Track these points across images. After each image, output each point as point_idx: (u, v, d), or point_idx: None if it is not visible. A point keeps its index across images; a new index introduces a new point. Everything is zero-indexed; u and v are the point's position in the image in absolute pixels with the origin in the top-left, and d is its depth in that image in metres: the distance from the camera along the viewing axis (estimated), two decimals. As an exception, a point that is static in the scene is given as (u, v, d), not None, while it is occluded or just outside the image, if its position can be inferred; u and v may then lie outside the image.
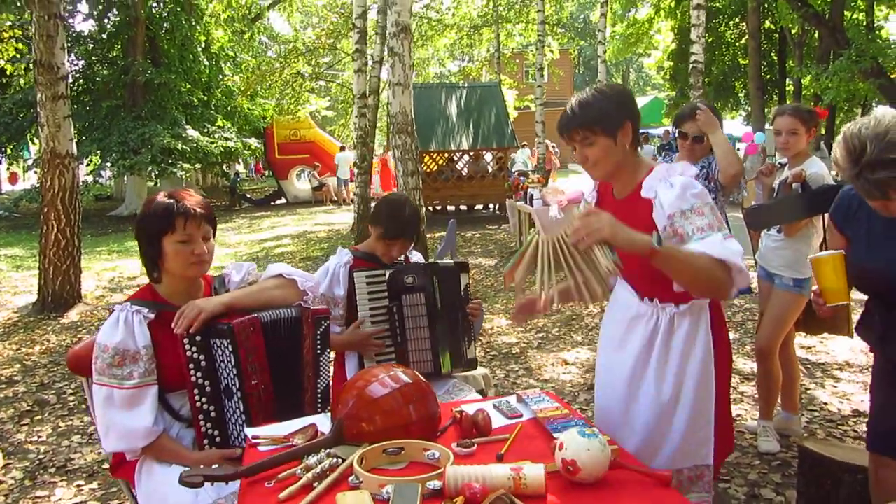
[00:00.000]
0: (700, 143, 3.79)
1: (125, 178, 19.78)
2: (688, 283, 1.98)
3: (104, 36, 20.02)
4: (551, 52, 20.88)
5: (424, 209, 8.79)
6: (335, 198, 22.18)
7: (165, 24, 19.56)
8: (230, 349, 2.18)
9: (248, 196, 25.02)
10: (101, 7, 19.57)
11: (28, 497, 3.67)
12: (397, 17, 6.23)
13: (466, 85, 17.90)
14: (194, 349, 2.19)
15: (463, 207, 17.03)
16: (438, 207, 16.42)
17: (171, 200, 2.26)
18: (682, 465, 2.14)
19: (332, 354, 2.76)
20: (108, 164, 18.00)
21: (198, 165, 20.36)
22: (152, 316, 2.24)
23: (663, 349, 2.14)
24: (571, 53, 32.27)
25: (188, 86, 19.35)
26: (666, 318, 2.14)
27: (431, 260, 3.33)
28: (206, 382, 2.22)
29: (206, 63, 20.12)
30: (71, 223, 7.79)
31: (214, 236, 2.37)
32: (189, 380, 2.20)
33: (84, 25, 20.43)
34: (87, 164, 18.85)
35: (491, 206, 16.77)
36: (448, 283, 3.03)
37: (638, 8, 25.99)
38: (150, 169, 17.36)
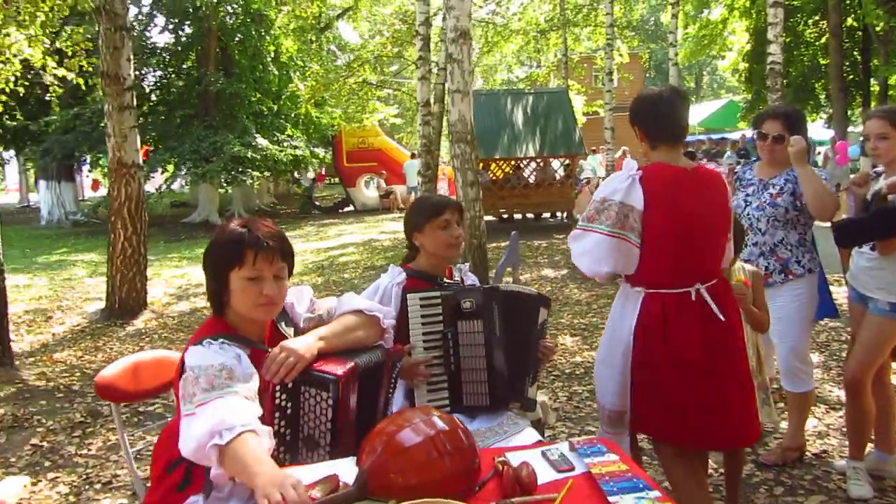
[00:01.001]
0: (780, 143, 3.52)
1: (199, 184, 20.23)
2: None
3: (179, 48, 20.54)
4: (620, 55, 20.37)
5: (488, 219, 8.55)
6: (402, 206, 22.16)
7: (238, 36, 19.94)
8: (329, 402, 1.94)
9: (317, 203, 25.27)
10: (176, 20, 20.07)
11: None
12: (456, 21, 6.05)
13: (533, 91, 17.61)
14: (284, 397, 1.97)
15: (529, 216, 16.73)
16: (504, 216, 16.16)
17: (243, 229, 2.01)
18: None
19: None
20: (181, 173, 18.43)
21: (266, 173, 20.64)
22: (248, 351, 2.00)
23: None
24: (642, 57, 31.52)
25: (258, 95, 19.69)
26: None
27: (491, 283, 3.07)
28: (287, 431, 2.00)
29: (276, 72, 20.43)
30: (137, 231, 7.87)
31: (291, 274, 2.11)
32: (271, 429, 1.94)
33: (160, 38, 20.93)
34: (162, 173, 19.35)
35: (558, 214, 16.41)
36: (511, 311, 2.75)
37: (711, 9, 25.17)
38: (220, 176, 17.67)
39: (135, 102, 7.67)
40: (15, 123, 13.07)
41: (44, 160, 18.88)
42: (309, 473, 1.80)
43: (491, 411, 2.71)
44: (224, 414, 1.76)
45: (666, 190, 2.60)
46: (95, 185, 28.43)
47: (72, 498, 3.77)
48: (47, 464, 4.20)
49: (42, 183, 20.33)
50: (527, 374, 2.80)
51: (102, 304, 8.39)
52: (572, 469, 1.85)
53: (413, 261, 2.93)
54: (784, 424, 3.87)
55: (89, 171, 22.40)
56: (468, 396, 2.72)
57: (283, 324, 2.22)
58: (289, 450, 2.00)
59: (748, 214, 3.69)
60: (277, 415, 1.97)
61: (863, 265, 3.40)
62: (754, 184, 3.75)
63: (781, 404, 4.23)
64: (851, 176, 3.78)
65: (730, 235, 2.81)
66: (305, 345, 2.03)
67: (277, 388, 1.95)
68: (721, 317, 2.60)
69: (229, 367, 1.88)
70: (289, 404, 1.97)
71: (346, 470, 1.80)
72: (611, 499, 1.61)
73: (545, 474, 1.82)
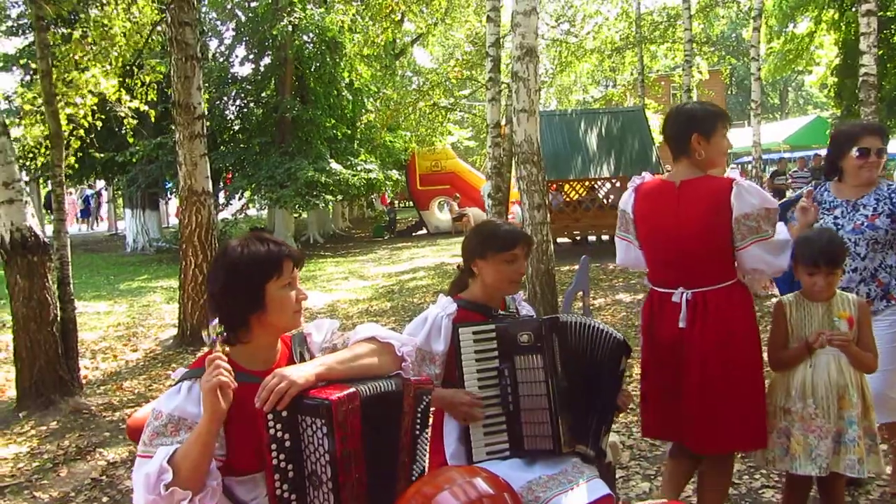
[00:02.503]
0: (883, 156, 3.33)
1: (276, 209, 20.60)
2: None
3: (258, 77, 21.06)
4: (699, 72, 19.75)
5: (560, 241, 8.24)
6: (475, 228, 21.99)
7: (313, 63, 20.30)
8: (324, 430, 1.81)
9: (392, 227, 25.41)
10: (255, 51, 20.62)
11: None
12: (521, 39, 5.82)
13: (608, 111, 17.23)
14: (279, 427, 1.84)
15: (605, 238, 16.28)
16: (578, 238, 15.78)
17: (270, 243, 2.01)
18: None
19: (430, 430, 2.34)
20: (256, 199, 18.80)
21: (339, 197, 20.85)
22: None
23: None
24: (723, 73, 30.61)
25: (332, 121, 19.95)
26: None
27: (561, 309, 2.83)
28: (289, 467, 1.85)
29: (350, 98, 20.68)
30: (207, 259, 7.92)
31: None
32: (269, 463, 1.84)
33: (241, 69, 21.54)
34: (239, 199, 19.78)
35: (634, 236, 15.90)
36: (577, 343, 2.52)
37: (797, 22, 24.18)
38: (294, 201, 17.90)
39: (205, 131, 7.74)
40: (102, 155, 13.54)
41: (129, 189, 19.57)
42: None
43: (554, 456, 2.45)
44: (153, 468, 1.79)
45: (645, 200, 2.94)
46: (179, 212, 29.40)
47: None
48: (105, 500, 4.14)
49: (128, 211, 21.07)
50: (602, 421, 2.54)
51: (175, 331, 8.47)
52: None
53: (465, 288, 2.71)
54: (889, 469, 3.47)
55: (175, 198, 23.16)
56: (529, 440, 2.47)
57: (299, 354, 2.10)
58: (294, 488, 1.86)
59: (842, 238, 3.33)
60: (274, 447, 1.83)
61: None
62: (840, 206, 3.41)
63: (884, 446, 3.79)
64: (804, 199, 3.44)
65: (747, 244, 2.71)
66: (301, 371, 1.89)
67: (270, 416, 1.81)
68: (681, 324, 2.76)
69: (177, 419, 1.86)
70: (286, 436, 1.84)
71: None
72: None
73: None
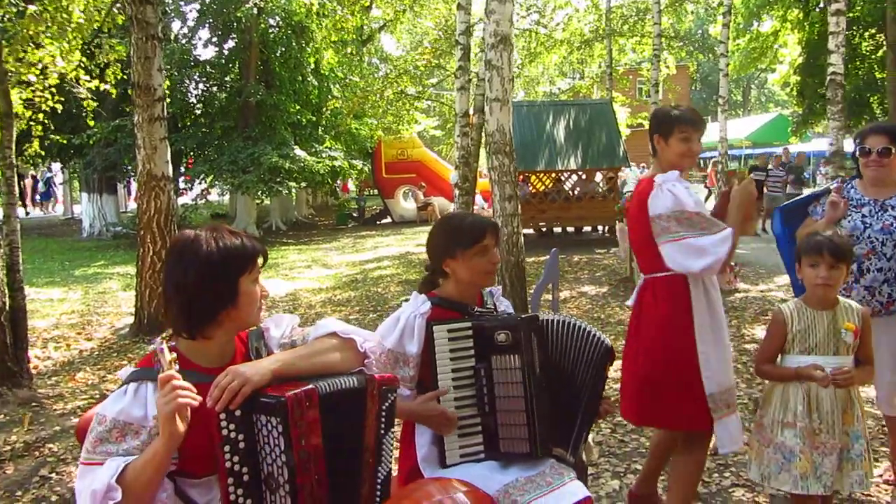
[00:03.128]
0: (887, 156, 3.27)
1: (238, 195, 20.24)
2: None
3: (222, 60, 20.62)
4: (667, 67, 19.82)
5: (527, 233, 8.16)
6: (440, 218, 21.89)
7: (279, 48, 19.95)
8: (279, 430, 1.71)
9: (354, 215, 25.18)
10: (219, 33, 20.18)
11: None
12: (496, 26, 5.68)
13: (576, 103, 17.22)
14: (232, 427, 1.73)
15: (570, 230, 16.32)
16: (544, 229, 15.78)
17: (240, 237, 1.91)
18: None
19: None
20: (218, 184, 18.45)
21: (304, 184, 20.56)
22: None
23: None
24: (690, 68, 30.87)
25: (297, 107, 19.64)
26: None
27: (530, 301, 2.72)
28: (244, 469, 1.75)
29: (315, 84, 20.38)
30: (167, 245, 7.66)
31: None
32: (222, 465, 1.72)
33: (205, 52, 21.16)
34: (200, 183, 19.37)
35: (600, 228, 15.98)
36: (557, 343, 2.43)
37: (762, 21, 24.45)
38: (257, 187, 17.60)
39: (165, 113, 7.48)
40: (58, 137, 13.09)
41: (86, 172, 19.03)
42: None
43: (531, 459, 2.35)
44: (99, 484, 1.67)
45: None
46: (137, 197, 28.75)
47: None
48: (54, 498, 3.94)
49: (84, 195, 20.50)
50: (582, 427, 2.44)
51: (132, 320, 8.21)
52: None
53: (437, 286, 2.58)
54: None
55: (135, 181, 22.57)
56: (505, 442, 2.37)
57: (255, 350, 1.99)
58: (249, 493, 1.75)
59: (869, 237, 3.30)
60: (228, 448, 1.72)
61: None
62: (868, 204, 3.37)
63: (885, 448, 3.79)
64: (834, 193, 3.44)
65: (661, 242, 2.87)
66: (256, 367, 1.79)
67: (222, 416, 1.70)
68: (628, 303, 3.15)
69: (122, 423, 1.75)
70: (240, 436, 1.74)
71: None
72: None
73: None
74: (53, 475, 4.24)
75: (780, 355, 2.81)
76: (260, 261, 1.91)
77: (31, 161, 19.41)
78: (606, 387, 2.53)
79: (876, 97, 24.01)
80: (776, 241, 3.85)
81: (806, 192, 6.26)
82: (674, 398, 2.88)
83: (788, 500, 3.00)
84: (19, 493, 4.02)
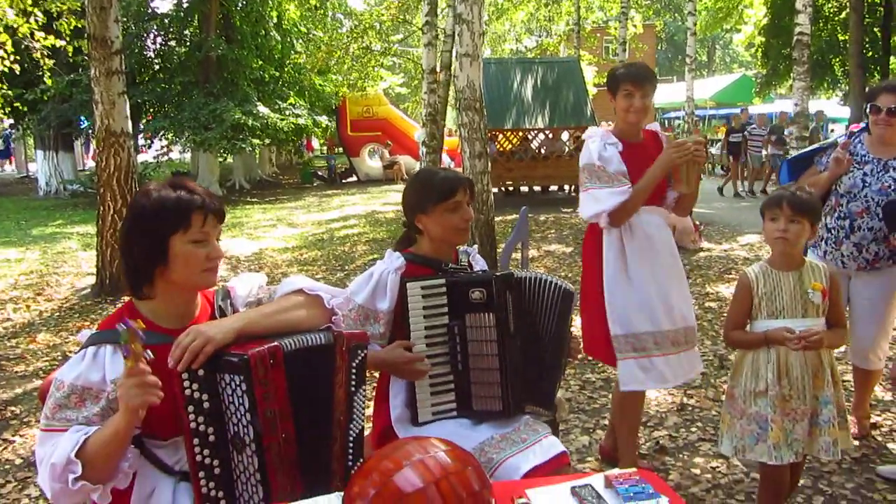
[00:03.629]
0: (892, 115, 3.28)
1: (199, 153, 19.82)
2: None
3: (181, 13, 19.99)
4: (635, 26, 19.74)
5: (493, 192, 8.12)
6: (406, 176, 21.74)
7: (241, 2, 19.39)
8: (243, 388, 1.68)
9: (319, 173, 24.87)
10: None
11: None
12: (466, -21, 5.56)
13: (543, 60, 17.07)
14: (195, 386, 1.69)
15: (537, 188, 16.31)
16: (511, 188, 15.76)
17: (182, 192, 1.81)
18: None
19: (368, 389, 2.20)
20: (180, 141, 18.04)
21: (267, 142, 20.19)
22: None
23: None
24: (657, 27, 30.79)
25: (260, 62, 19.19)
26: None
27: (499, 260, 2.69)
28: (210, 430, 1.71)
29: (278, 39, 19.91)
30: (127, 204, 7.49)
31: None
32: (187, 426, 1.69)
33: (163, 5, 20.46)
34: (161, 140, 18.91)
35: (567, 187, 16.00)
36: (531, 301, 2.41)
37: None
38: (219, 145, 17.23)
39: (123, 67, 7.23)
40: (10, 92, 12.62)
41: (40, 129, 18.44)
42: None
43: (503, 417, 2.35)
44: (59, 458, 1.64)
45: None
46: (95, 154, 28.05)
47: (41, 502, 3.44)
48: (18, 461, 3.87)
49: (39, 153, 19.89)
50: (556, 378, 2.45)
51: (94, 280, 8.04)
52: (611, 516, 1.48)
53: (413, 244, 2.54)
54: (886, 468, 3.41)
55: (93, 138, 21.94)
56: (478, 400, 2.37)
57: (219, 309, 1.94)
58: (216, 453, 1.72)
59: (866, 196, 3.34)
60: (192, 409, 1.69)
61: None
62: (871, 162, 3.39)
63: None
64: (839, 149, 3.48)
65: (583, 187, 3.17)
66: (219, 326, 1.75)
67: (185, 376, 1.67)
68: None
69: (80, 389, 1.71)
70: (204, 396, 1.70)
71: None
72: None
73: (577, 522, 1.45)
74: (17, 438, 4.16)
75: (749, 322, 2.72)
76: (199, 219, 1.79)
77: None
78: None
79: (838, 59, 24.26)
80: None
81: (793, 153, 6.28)
82: (594, 332, 3.18)
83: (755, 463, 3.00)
84: (-19, 456, 3.95)
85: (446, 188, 2.40)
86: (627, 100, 3.07)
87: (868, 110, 3.37)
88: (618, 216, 3.05)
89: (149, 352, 1.63)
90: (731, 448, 2.67)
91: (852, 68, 20.75)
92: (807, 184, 3.46)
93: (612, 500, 1.55)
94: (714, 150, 22.14)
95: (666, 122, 33.98)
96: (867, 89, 3.89)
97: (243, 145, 17.60)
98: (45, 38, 8.11)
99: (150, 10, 19.63)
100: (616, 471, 1.66)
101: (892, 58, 22.49)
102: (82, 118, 18.06)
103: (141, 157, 20.55)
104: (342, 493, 1.48)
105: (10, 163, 30.90)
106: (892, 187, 3.31)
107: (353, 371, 1.94)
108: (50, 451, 1.67)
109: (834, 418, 2.53)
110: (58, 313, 7.14)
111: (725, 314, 6.08)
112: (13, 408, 4.61)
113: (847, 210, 3.38)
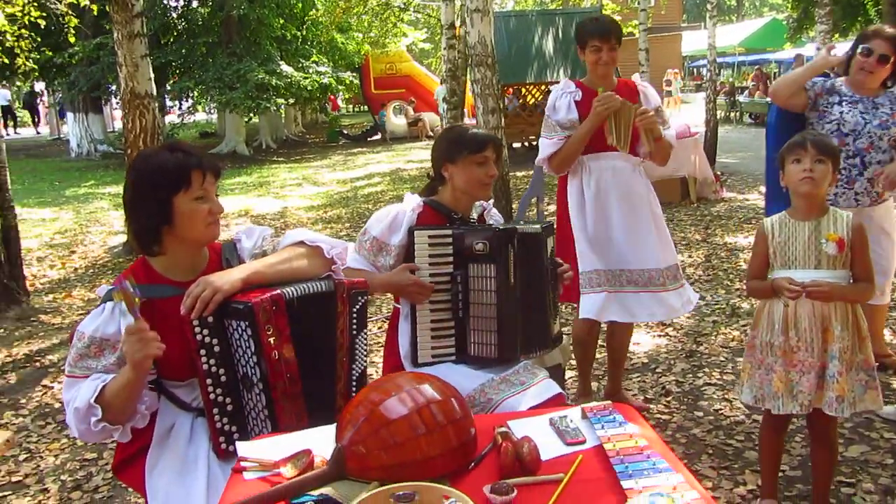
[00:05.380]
0: (884, 64, 3.33)
1: (226, 114, 19.97)
2: None
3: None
4: (659, -29, 19.25)
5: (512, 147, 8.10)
6: (431, 133, 21.71)
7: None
8: (249, 332, 1.83)
9: (345, 132, 24.90)
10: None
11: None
12: (478, -67, 5.55)
13: (565, 11, 16.81)
14: (206, 332, 1.84)
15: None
16: (535, 142, 15.70)
17: (179, 153, 1.92)
18: None
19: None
20: (204, 102, 18.16)
21: (292, 101, 20.25)
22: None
23: None
24: (683, -27, 29.98)
25: (281, 21, 19.14)
26: None
27: (510, 223, 2.77)
28: (221, 371, 1.88)
29: (299, -4, 19.82)
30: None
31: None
32: (200, 368, 1.85)
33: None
34: (187, 101, 19.07)
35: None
36: (530, 253, 2.50)
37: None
38: (244, 104, 17.37)
39: (145, 30, 7.34)
40: (39, 55, 12.77)
41: (70, 92, 18.70)
42: (281, 448, 1.60)
43: (497, 364, 2.49)
44: (81, 403, 1.81)
45: None
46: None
47: (79, 442, 3.69)
48: (57, 405, 4.13)
49: (70, 115, 20.20)
50: (547, 312, 2.57)
51: (124, 238, 8.30)
52: (583, 442, 1.62)
53: (435, 193, 2.68)
54: (888, 409, 3.44)
55: (118, 103, 22.12)
56: (475, 346, 2.50)
57: (226, 261, 2.07)
58: (228, 391, 1.89)
59: (869, 132, 3.40)
60: (203, 352, 1.85)
61: None
62: (861, 101, 3.45)
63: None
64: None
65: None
66: (227, 277, 1.89)
67: (196, 323, 1.82)
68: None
69: (99, 340, 1.87)
70: (214, 340, 1.86)
71: (323, 442, 1.59)
72: (623, 483, 1.38)
73: (552, 447, 1.60)
74: (55, 384, 4.42)
75: (769, 271, 2.61)
76: (198, 178, 1.90)
77: (24, 77, 19.06)
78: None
79: (871, -1, 23.45)
80: (766, 129, 3.80)
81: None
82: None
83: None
84: (24, 400, 4.21)
85: (478, 142, 2.55)
86: (595, 54, 3.32)
87: (858, 50, 3.37)
88: (555, 165, 3.41)
89: (136, 308, 1.74)
90: (751, 397, 2.61)
91: (885, 7, 20.07)
92: (794, 73, 3.66)
93: (586, 429, 1.68)
94: (743, 97, 21.78)
95: (694, 70, 33.32)
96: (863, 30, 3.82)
97: (268, 105, 17.68)
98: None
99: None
100: (592, 404, 1.79)
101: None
102: (110, 81, 18.26)
103: (168, 119, 20.80)
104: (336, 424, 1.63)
105: (35, 125, 31.33)
106: (890, 120, 3.37)
107: (354, 315, 2.10)
108: (73, 394, 1.84)
109: (839, 374, 2.42)
110: (91, 269, 7.42)
111: (740, 264, 6.18)
112: (51, 356, 4.88)
113: (855, 148, 3.42)
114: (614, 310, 3.32)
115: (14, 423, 3.92)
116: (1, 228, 5.65)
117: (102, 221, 10.21)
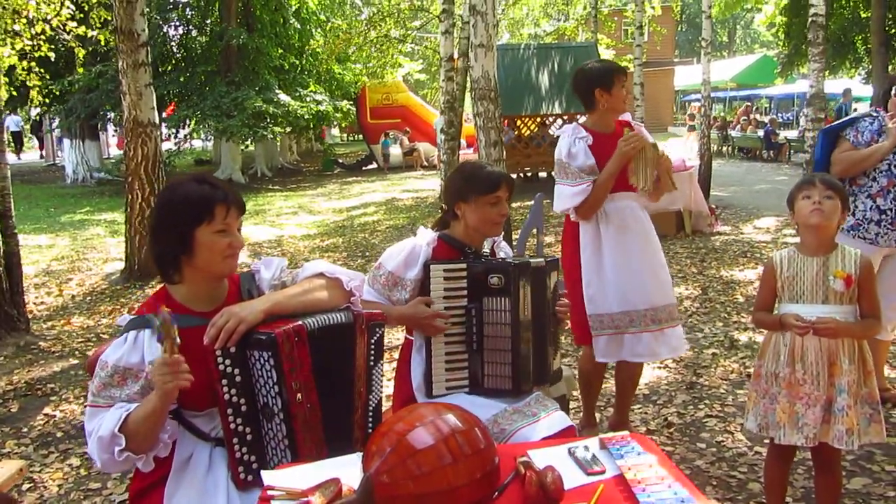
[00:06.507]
0: None
1: (222, 142, 20.06)
2: None
3: (202, 3, 20.21)
4: (652, 8, 19.64)
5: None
6: (426, 163, 21.84)
7: (260, -10, 19.57)
8: (271, 363, 1.86)
9: (341, 161, 25.02)
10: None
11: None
12: (480, -30, 5.68)
13: (560, 46, 17.04)
14: (228, 362, 1.87)
15: (555, 174, 16.33)
16: (529, 174, 15.84)
17: (206, 186, 1.96)
18: None
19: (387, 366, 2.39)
20: (201, 129, 18.28)
21: (288, 129, 20.40)
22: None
23: None
24: (674, 9, 30.51)
25: (280, 50, 19.36)
26: None
27: (517, 257, 2.81)
28: (242, 401, 1.90)
29: (298, 27, 20.06)
30: (154, 192, 7.71)
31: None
32: (221, 398, 1.88)
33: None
34: (183, 128, 19.17)
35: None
36: (536, 287, 2.56)
37: (749, -42, 24.14)
38: (241, 132, 17.47)
39: (150, 59, 7.44)
40: (40, 83, 12.90)
41: (68, 119, 18.79)
42: (307, 476, 1.62)
43: (512, 396, 2.53)
44: (105, 432, 1.83)
45: None
46: (121, 142, 28.37)
47: (82, 471, 3.68)
48: (59, 434, 4.12)
49: (66, 142, 20.27)
50: (549, 347, 2.61)
51: (122, 265, 8.31)
52: (603, 472, 1.66)
53: (447, 227, 2.73)
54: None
55: (115, 131, 22.20)
56: (489, 379, 2.54)
57: (247, 291, 2.11)
58: (248, 422, 1.91)
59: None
60: (225, 382, 1.87)
61: None
62: None
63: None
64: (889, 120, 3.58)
65: (556, 181, 3.43)
66: (249, 308, 1.92)
67: (218, 353, 1.84)
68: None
69: (122, 369, 1.89)
70: (236, 370, 1.88)
71: (349, 471, 1.62)
72: (648, 512, 1.41)
73: (573, 477, 1.63)
74: (57, 412, 4.41)
75: (777, 305, 2.64)
76: (222, 212, 1.93)
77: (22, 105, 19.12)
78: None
79: (860, 36, 23.90)
80: (814, 166, 3.93)
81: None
82: (574, 314, 3.36)
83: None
84: (25, 429, 4.19)
85: (491, 183, 2.58)
86: (623, 90, 3.37)
87: (893, 94, 3.52)
88: (583, 211, 3.33)
89: (177, 338, 1.77)
90: (755, 425, 2.62)
91: (874, 46, 20.43)
92: (861, 155, 3.61)
93: (605, 459, 1.72)
94: (734, 132, 22.05)
95: (686, 104, 33.74)
96: (891, 70, 3.92)
97: (264, 133, 17.82)
98: (77, 27, 8.34)
99: (171, 1, 19.86)
100: (610, 434, 1.83)
101: (916, 36, 22.13)
102: (108, 109, 18.35)
103: (165, 146, 20.85)
104: (363, 453, 1.66)
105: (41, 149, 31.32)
106: None
107: (372, 347, 2.13)
108: (97, 424, 1.86)
109: (849, 407, 2.41)
110: (90, 297, 7.41)
111: (737, 297, 6.23)
112: (52, 385, 4.86)
113: None
114: (631, 350, 3.34)
115: (16, 452, 3.89)
116: (4, 255, 5.66)
117: (99, 248, 10.21)
